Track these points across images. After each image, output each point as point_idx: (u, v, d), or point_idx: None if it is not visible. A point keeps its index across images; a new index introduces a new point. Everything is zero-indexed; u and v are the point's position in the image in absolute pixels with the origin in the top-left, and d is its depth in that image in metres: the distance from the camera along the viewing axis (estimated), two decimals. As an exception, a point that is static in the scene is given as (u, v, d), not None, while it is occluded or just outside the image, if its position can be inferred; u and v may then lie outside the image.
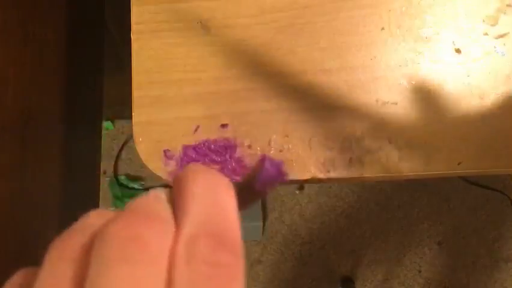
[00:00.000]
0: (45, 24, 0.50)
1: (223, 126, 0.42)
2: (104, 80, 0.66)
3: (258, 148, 0.41)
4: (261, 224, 1.27)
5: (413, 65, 0.42)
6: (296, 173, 0.41)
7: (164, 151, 0.42)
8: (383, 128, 0.41)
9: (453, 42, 0.43)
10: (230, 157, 0.41)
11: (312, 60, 0.43)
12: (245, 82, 0.42)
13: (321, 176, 0.40)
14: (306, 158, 0.41)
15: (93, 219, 0.17)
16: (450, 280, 1.35)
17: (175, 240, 0.15)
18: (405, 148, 0.41)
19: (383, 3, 0.44)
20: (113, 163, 1.34)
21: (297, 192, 1.31)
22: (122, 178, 1.34)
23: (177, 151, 0.42)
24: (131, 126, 0.42)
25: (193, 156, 0.41)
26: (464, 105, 0.42)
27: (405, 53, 0.42)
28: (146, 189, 1.36)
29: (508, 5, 0.43)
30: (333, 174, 0.41)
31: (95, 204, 0.69)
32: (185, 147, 0.42)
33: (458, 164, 0.41)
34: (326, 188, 1.33)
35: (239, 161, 0.41)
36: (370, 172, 0.41)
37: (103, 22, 0.65)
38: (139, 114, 0.42)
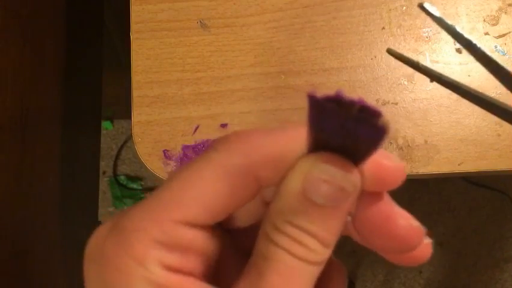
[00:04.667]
0: (45, 25, 0.50)
1: (223, 126, 0.42)
2: (103, 79, 0.66)
3: (258, 148, 0.41)
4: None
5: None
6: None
7: (164, 151, 0.41)
8: (383, 128, 0.41)
9: (454, 41, 0.43)
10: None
11: (312, 59, 0.42)
12: (245, 82, 0.42)
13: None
14: (306, 158, 0.40)
15: None
16: (451, 281, 1.34)
17: None
18: (405, 148, 0.41)
19: (383, 2, 0.43)
20: (112, 163, 1.33)
21: (297, 192, 1.31)
22: (121, 178, 1.34)
23: (177, 151, 0.41)
24: (131, 126, 0.42)
25: (193, 156, 0.41)
26: (465, 104, 0.41)
27: (406, 53, 0.42)
28: (146, 189, 1.35)
29: (509, 5, 0.43)
30: (333, 175, 0.40)
31: (94, 205, 0.69)
32: (185, 147, 0.41)
33: (459, 164, 0.40)
34: (326, 188, 1.32)
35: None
36: (370, 172, 0.40)
37: (103, 22, 0.65)
38: (138, 114, 0.42)
